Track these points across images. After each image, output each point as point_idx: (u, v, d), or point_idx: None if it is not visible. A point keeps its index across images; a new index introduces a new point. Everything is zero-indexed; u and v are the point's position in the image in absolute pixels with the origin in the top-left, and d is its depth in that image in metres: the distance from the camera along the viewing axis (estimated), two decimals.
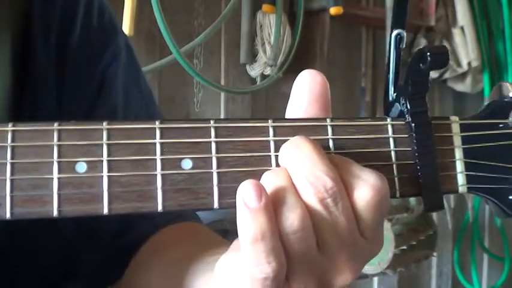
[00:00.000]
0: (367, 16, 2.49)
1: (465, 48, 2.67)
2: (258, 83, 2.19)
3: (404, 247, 2.17)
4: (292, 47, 2.14)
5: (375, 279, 2.62)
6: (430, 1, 2.57)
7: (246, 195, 0.46)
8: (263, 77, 2.19)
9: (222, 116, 2.16)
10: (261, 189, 0.46)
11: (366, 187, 0.48)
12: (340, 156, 0.50)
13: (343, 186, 0.48)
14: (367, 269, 2.12)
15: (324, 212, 0.47)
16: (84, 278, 0.79)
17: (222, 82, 2.15)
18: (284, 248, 0.47)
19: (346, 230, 0.48)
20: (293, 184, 0.48)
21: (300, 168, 0.48)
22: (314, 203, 0.47)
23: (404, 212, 2.23)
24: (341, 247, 0.48)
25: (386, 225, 2.11)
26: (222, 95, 2.16)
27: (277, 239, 0.47)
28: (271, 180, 0.48)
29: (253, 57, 2.18)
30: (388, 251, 2.10)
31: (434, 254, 2.41)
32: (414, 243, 2.21)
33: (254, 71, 2.18)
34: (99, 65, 0.76)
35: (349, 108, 2.53)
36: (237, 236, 0.48)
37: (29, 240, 0.68)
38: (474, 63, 2.69)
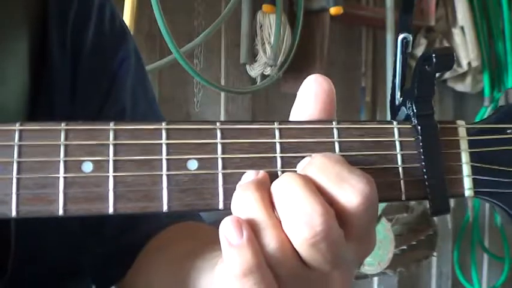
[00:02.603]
0: (367, 16, 2.49)
1: (465, 48, 2.68)
2: (258, 83, 2.20)
3: (404, 247, 2.17)
4: (292, 47, 2.14)
5: (375, 279, 2.62)
6: (430, 1, 2.58)
7: (228, 233, 0.46)
8: (263, 77, 2.19)
9: (222, 116, 2.16)
10: (241, 225, 0.46)
11: (354, 194, 0.47)
12: (331, 155, 0.49)
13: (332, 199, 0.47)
14: (367, 269, 2.12)
15: (312, 249, 0.47)
16: (87, 276, 0.80)
17: (222, 82, 2.16)
18: (273, 274, 0.47)
19: (331, 247, 0.47)
20: (274, 216, 0.47)
21: (291, 207, 0.46)
22: (303, 245, 0.46)
23: (404, 212, 2.23)
24: (327, 262, 0.48)
25: (387, 225, 2.12)
26: (222, 95, 2.16)
27: (266, 269, 0.46)
28: (253, 211, 0.47)
29: (253, 57, 2.18)
30: (388, 251, 2.10)
31: (434, 254, 2.41)
32: (414, 243, 2.21)
33: (254, 71, 2.18)
34: (110, 67, 0.78)
35: (349, 108, 2.54)
36: None
37: (32, 237, 0.69)
38: (474, 63, 2.70)
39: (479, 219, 2.95)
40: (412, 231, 2.22)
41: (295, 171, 0.50)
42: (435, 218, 2.46)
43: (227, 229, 0.46)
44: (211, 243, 0.63)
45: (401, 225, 2.18)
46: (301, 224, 0.46)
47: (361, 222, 0.48)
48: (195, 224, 0.77)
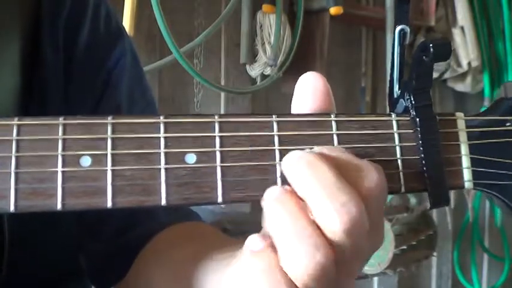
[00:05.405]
0: (367, 16, 2.49)
1: (465, 48, 2.68)
2: (258, 83, 2.19)
3: (405, 247, 2.17)
4: (292, 47, 2.14)
5: (375, 279, 2.62)
6: (430, 1, 2.58)
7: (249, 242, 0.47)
8: (263, 77, 2.19)
9: None
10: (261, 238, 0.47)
11: (373, 172, 0.47)
12: (338, 149, 0.49)
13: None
14: (367, 269, 2.12)
15: (347, 242, 0.46)
16: (86, 277, 0.80)
17: (222, 82, 2.15)
18: None
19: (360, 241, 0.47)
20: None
21: (319, 195, 0.46)
22: (339, 236, 0.45)
23: (404, 212, 2.23)
24: (353, 255, 0.47)
25: (387, 225, 2.12)
26: (222, 95, 2.16)
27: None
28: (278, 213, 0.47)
29: (253, 57, 2.17)
30: (388, 251, 2.10)
31: (434, 254, 2.41)
32: (414, 243, 2.21)
33: (254, 71, 2.18)
34: (104, 66, 0.78)
35: (349, 108, 2.54)
36: (236, 236, 0.47)
37: (31, 237, 0.69)
38: (474, 63, 2.70)
39: (479, 220, 2.94)
40: (412, 231, 2.23)
41: None
42: (435, 218, 2.47)
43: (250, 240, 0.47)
44: (216, 242, 0.63)
45: (401, 225, 2.19)
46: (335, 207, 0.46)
47: (379, 202, 0.48)
48: (197, 224, 0.77)
